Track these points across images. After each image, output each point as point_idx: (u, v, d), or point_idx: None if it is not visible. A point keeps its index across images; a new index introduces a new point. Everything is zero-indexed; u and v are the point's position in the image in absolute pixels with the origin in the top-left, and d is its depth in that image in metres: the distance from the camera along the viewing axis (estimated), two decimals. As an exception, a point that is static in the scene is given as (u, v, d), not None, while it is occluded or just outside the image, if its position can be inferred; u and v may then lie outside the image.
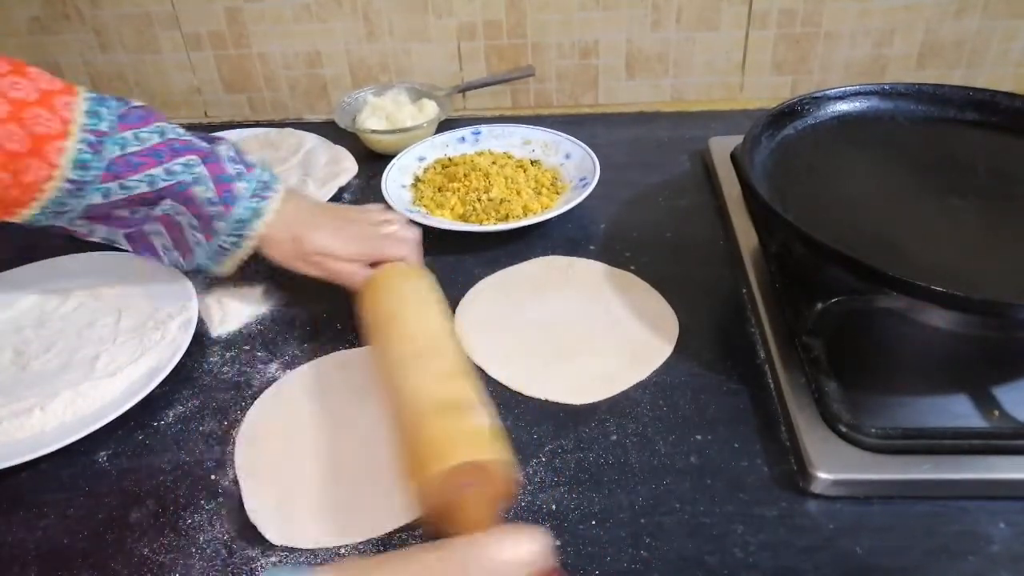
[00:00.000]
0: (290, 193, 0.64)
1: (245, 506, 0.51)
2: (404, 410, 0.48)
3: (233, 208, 0.60)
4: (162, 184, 0.58)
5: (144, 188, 0.57)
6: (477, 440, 0.45)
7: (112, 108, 0.57)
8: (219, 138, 0.63)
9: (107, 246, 0.72)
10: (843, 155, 0.71)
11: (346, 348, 0.65)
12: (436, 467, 0.42)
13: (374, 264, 0.64)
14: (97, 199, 0.57)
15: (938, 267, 0.56)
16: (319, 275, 0.64)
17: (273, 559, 0.48)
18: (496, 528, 0.41)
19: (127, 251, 0.71)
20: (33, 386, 0.60)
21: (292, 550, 0.48)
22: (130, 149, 0.57)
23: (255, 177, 0.62)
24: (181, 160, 0.58)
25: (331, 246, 0.63)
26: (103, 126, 0.56)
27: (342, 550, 0.48)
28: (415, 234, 0.67)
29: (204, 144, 0.61)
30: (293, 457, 0.55)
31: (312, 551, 0.48)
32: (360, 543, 0.49)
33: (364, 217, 0.67)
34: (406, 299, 0.59)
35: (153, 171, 0.57)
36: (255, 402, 0.60)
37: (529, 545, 0.38)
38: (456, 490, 0.42)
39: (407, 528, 0.49)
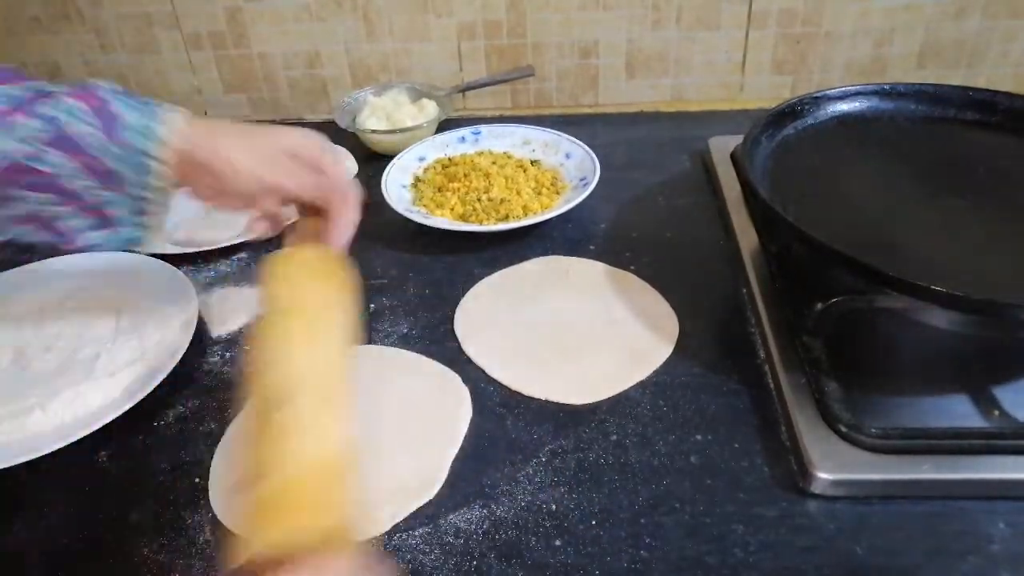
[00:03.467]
0: (198, 120, 0.51)
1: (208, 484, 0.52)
2: (270, 455, 0.41)
3: (124, 134, 0.48)
4: (34, 134, 0.46)
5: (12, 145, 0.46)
6: (326, 519, 0.39)
7: None
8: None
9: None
10: (843, 155, 0.71)
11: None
12: (273, 544, 0.37)
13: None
14: None
15: (938, 267, 0.56)
16: (244, 209, 0.53)
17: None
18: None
19: (128, 251, 0.71)
20: (33, 386, 0.60)
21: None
22: None
23: (138, 99, 0.50)
24: (49, 102, 0.47)
25: (245, 168, 0.50)
26: None
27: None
28: (357, 192, 0.54)
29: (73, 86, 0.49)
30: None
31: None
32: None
33: (303, 149, 0.53)
34: (315, 300, 0.48)
35: (16, 120, 0.46)
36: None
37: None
38: (293, 548, 0.37)
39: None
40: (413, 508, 0.51)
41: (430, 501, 0.51)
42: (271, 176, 0.51)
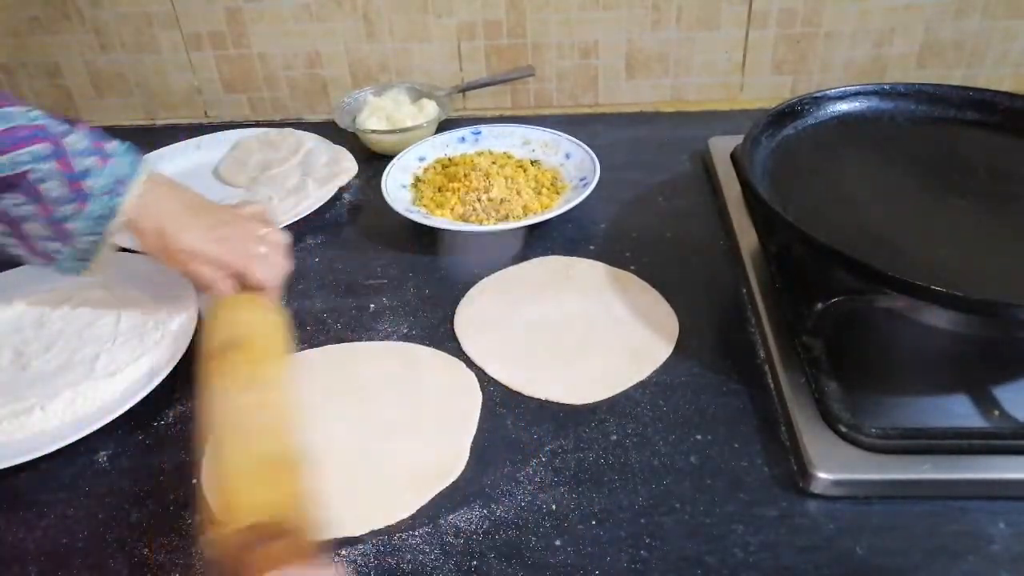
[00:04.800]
0: (159, 183, 0.59)
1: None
2: (225, 454, 0.46)
3: (86, 206, 0.55)
4: (6, 173, 0.52)
5: None
6: (285, 501, 0.43)
7: None
8: (76, 122, 0.57)
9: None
10: (843, 155, 0.71)
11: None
12: (240, 518, 0.41)
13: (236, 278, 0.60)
14: None
15: (938, 267, 0.56)
16: (182, 272, 0.60)
17: (273, 559, 0.48)
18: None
19: (128, 251, 0.71)
20: (33, 386, 0.60)
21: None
22: None
23: (109, 173, 0.56)
24: (29, 149, 0.53)
25: (197, 247, 0.58)
26: None
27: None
28: (286, 257, 0.63)
29: (56, 131, 0.55)
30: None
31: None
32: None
33: (242, 224, 0.61)
34: (253, 336, 0.55)
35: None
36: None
37: None
38: (253, 545, 0.41)
39: (354, 541, 0.49)
40: (437, 491, 0.52)
41: (429, 500, 0.51)
42: (202, 244, 0.58)
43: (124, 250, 0.73)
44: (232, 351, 0.53)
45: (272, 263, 0.61)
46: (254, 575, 0.40)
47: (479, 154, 0.88)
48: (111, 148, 0.57)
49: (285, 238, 0.63)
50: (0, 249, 0.58)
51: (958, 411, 0.53)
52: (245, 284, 0.59)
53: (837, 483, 0.49)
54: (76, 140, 0.55)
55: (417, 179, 0.86)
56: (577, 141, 0.86)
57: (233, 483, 0.44)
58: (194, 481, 0.54)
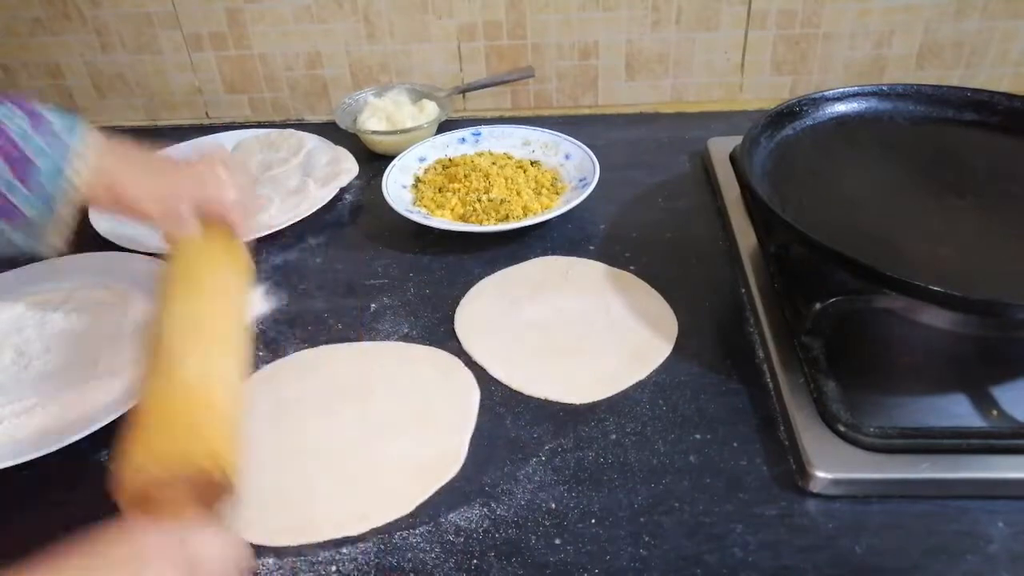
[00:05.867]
0: (105, 148, 0.58)
1: None
2: (158, 386, 0.47)
3: (30, 182, 0.54)
4: None
5: None
6: (205, 442, 0.44)
7: None
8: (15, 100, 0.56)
9: (108, 246, 0.72)
10: (842, 155, 0.71)
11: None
12: (156, 454, 0.42)
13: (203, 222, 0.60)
14: None
15: (937, 267, 0.57)
16: (141, 220, 0.61)
17: (270, 560, 0.48)
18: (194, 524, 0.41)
19: (128, 251, 0.72)
20: (34, 386, 0.60)
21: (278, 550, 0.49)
22: None
23: (57, 150, 0.55)
24: None
25: (146, 189, 0.59)
26: None
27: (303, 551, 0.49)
28: (239, 184, 0.63)
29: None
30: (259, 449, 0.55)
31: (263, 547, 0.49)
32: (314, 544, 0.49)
33: (193, 165, 0.62)
34: (213, 275, 0.56)
35: None
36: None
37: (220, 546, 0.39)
38: (167, 483, 0.42)
39: (354, 540, 0.49)
40: (436, 488, 0.52)
41: (430, 498, 0.51)
42: (158, 185, 0.59)
43: (124, 250, 0.73)
44: (183, 285, 0.54)
45: (222, 182, 0.61)
46: (157, 515, 0.40)
47: (479, 155, 0.88)
48: (54, 122, 0.56)
49: (245, 179, 0.64)
50: None
51: (957, 411, 0.53)
52: (208, 217, 0.59)
53: (836, 482, 0.49)
54: (18, 122, 0.55)
55: (417, 180, 0.86)
56: (577, 142, 0.86)
57: (162, 424, 0.44)
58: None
